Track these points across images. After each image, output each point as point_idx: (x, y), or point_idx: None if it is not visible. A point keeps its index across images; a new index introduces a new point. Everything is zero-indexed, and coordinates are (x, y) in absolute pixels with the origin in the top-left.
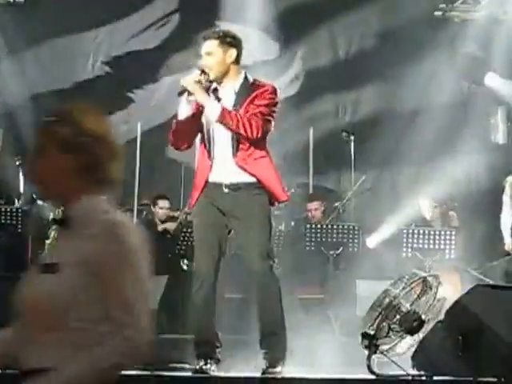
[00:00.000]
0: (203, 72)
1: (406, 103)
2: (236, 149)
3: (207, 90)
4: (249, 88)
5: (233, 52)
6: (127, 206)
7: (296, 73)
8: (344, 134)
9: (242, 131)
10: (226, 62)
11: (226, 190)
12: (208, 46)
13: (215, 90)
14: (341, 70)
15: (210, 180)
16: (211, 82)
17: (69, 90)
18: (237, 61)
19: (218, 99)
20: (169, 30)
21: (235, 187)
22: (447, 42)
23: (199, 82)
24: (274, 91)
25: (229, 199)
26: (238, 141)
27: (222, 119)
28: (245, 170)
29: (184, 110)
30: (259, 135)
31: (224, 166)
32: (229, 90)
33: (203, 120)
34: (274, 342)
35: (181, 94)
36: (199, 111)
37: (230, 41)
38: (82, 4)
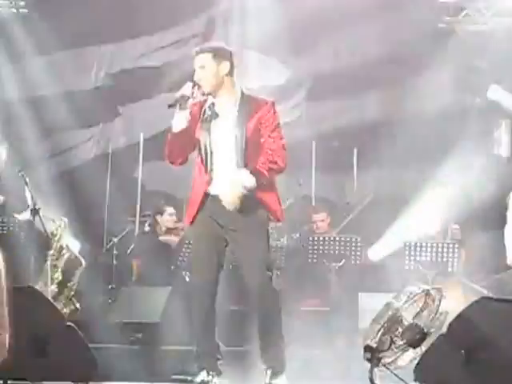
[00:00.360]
0: (196, 85)
1: (408, 115)
2: (242, 165)
3: (202, 104)
4: (249, 103)
5: (226, 64)
6: (129, 217)
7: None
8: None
9: (275, 168)
10: (220, 74)
11: (224, 204)
12: (201, 60)
13: (212, 104)
14: (344, 81)
15: (210, 193)
16: (205, 95)
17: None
18: (230, 73)
19: (216, 115)
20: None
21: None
22: (451, 54)
23: (192, 94)
24: (274, 105)
25: (227, 212)
26: (244, 157)
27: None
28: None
29: (178, 123)
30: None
31: (223, 180)
32: (226, 105)
33: (199, 134)
34: (274, 355)
35: (171, 106)
36: (194, 125)
37: (223, 53)
38: (93, 17)
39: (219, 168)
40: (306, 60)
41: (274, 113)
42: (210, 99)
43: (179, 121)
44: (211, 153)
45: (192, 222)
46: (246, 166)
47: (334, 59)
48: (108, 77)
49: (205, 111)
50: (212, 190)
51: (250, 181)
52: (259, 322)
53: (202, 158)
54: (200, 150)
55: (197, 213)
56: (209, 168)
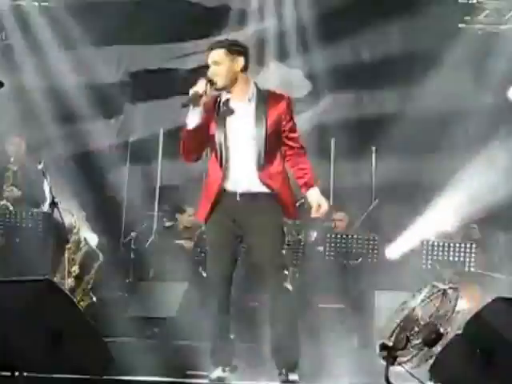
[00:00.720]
0: (210, 81)
1: (429, 116)
2: (263, 162)
3: (216, 99)
4: (266, 99)
5: (240, 60)
6: (149, 211)
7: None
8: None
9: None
10: (235, 70)
11: (239, 199)
12: (215, 55)
13: (227, 100)
14: (364, 81)
15: (225, 189)
16: (219, 89)
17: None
18: (245, 69)
19: (231, 111)
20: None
21: (249, 196)
22: (471, 54)
23: (205, 92)
24: (290, 100)
25: (242, 208)
26: (264, 154)
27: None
28: (267, 184)
29: (192, 120)
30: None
31: (240, 175)
32: (242, 101)
33: (214, 130)
34: (287, 352)
35: (184, 105)
36: (208, 121)
37: (238, 49)
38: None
39: (236, 164)
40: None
41: (292, 107)
42: (225, 95)
43: (193, 118)
44: (227, 149)
45: (206, 219)
46: (266, 162)
47: (354, 57)
48: (128, 74)
49: (220, 107)
50: (228, 186)
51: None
52: (273, 320)
53: (216, 154)
54: (215, 146)
55: (211, 209)
56: (224, 164)
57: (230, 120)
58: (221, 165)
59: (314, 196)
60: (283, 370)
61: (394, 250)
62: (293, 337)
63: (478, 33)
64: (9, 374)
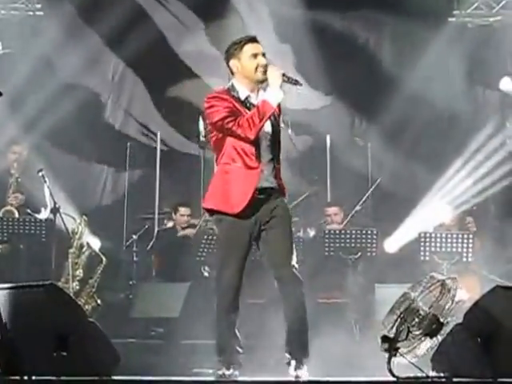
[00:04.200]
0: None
1: (420, 109)
2: (278, 155)
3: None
4: None
5: None
6: (148, 214)
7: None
8: (357, 139)
9: None
10: None
11: (261, 196)
12: (261, 48)
13: (248, 97)
14: (354, 75)
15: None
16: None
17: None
18: None
19: (253, 105)
20: None
21: (266, 192)
22: (462, 47)
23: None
24: None
25: (259, 204)
26: (279, 147)
27: None
28: (276, 177)
29: (278, 97)
30: None
31: (265, 171)
32: (258, 96)
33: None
34: (299, 346)
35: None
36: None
37: None
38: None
39: (264, 160)
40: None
41: None
42: (244, 92)
43: (279, 95)
44: (258, 146)
45: (239, 213)
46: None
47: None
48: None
49: (247, 103)
50: (261, 183)
51: None
52: (288, 313)
53: (246, 150)
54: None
55: (249, 203)
56: (255, 160)
57: None
58: (256, 159)
59: None
60: (293, 363)
61: (393, 243)
62: (306, 329)
63: (468, 26)
64: (17, 378)
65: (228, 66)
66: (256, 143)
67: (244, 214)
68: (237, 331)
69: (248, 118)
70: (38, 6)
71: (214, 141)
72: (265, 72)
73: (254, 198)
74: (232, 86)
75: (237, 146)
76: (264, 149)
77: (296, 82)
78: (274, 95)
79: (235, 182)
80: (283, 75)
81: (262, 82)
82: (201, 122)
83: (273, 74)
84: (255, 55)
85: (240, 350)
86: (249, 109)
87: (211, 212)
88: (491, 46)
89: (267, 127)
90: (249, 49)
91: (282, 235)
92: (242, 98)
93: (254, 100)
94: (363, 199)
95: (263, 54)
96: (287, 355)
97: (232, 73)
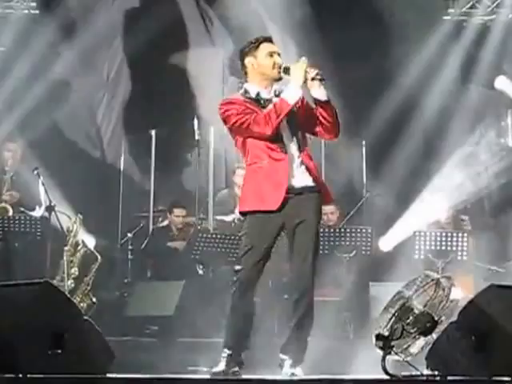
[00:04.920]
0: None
1: (414, 108)
2: (303, 143)
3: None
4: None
5: None
6: (143, 212)
7: None
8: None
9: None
10: None
11: (288, 195)
12: (277, 48)
13: (259, 93)
14: (348, 72)
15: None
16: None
17: None
18: None
19: (265, 100)
20: None
21: (298, 191)
22: (457, 46)
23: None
24: None
25: (289, 204)
26: (303, 135)
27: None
28: (308, 168)
29: (296, 94)
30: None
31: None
32: (269, 94)
33: None
34: (299, 346)
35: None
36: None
37: None
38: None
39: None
40: None
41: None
42: (254, 89)
43: (297, 92)
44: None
45: (279, 207)
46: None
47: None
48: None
49: (260, 99)
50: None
51: None
52: (298, 313)
53: (276, 145)
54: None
55: (284, 200)
56: (281, 152)
57: None
58: (283, 157)
59: None
60: (288, 363)
61: (387, 242)
62: (309, 331)
63: (463, 24)
64: (12, 375)
65: (243, 64)
66: (278, 136)
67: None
68: (251, 330)
69: (265, 115)
70: (33, 4)
71: (238, 144)
72: (281, 71)
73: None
74: (244, 90)
75: (260, 144)
76: (290, 138)
77: (322, 79)
78: (292, 93)
79: (266, 178)
80: (316, 74)
81: (278, 81)
82: (196, 122)
83: (296, 72)
84: (271, 54)
85: (248, 347)
86: (261, 104)
87: (246, 214)
88: (486, 44)
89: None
90: (265, 47)
91: (312, 237)
92: (253, 95)
93: (265, 95)
94: (357, 207)
95: (278, 54)
96: (282, 355)
97: (245, 72)
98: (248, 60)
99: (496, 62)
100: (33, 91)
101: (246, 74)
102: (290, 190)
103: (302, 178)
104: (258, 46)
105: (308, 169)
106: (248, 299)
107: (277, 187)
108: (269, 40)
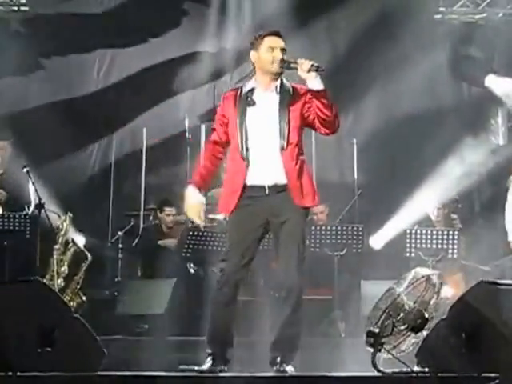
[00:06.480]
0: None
1: (405, 106)
2: (286, 143)
3: (237, 91)
4: (289, 90)
5: None
6: (133, 211)
7: None
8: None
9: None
10: None
11: (268, 192)
12: (282, 43)
13: (251, 90)
14: (339, 72)
15: (249, 183)
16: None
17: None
18: None
19: (254, 102)
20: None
21: (279, 189)
22: (447, 44)
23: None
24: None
25: (270, 201)
26: (287, 134)
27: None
28: (291, 168)
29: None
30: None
31: (266, 166)
32: (267, 91)
33: (235, 122)
34: (289, 344)
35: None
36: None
37: None
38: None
39: (257, 155)
40: None
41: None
42: (251, 85)
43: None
44: (247, 140)
45: (231, 212)
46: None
47: (330, 51)
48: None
49: (245, 98)
50: (252, 178)
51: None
52: (286, 310)
53: (238, 142)
54: (238, 133)
55: (238, 201)
56: (245, 156)
57: (250, 110)
58: (242, 157)
59: None
60: (279, 360)
61: (378, 240)
62: (300, 330)
63: (454, 23)
64: (2, 374)
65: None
66: (246, 136)
67: (244, 211)
68: (233, 326)
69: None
70: (23, 0)
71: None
72: (282, 66)
73: (259, 193)
74: (242, 85)
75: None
76: (269, 139)
77: (318, 68)
78: (317, 82)
79: (230, 181)
80: (312, 65)
81: (279, 75)
82: (187, 120)
83: (302, 68)
84: (272, 48)
85: (231, 345)
86: (246, 101)
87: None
88: (477, 43)
89: (267, 120)
90: (268, 41)
91: (295, 234)
92: (245, 90)
93: (256, 95)
94: (349, 205)
95: (283, 49)
96: (273, 353)
97: (254, 66)
98: (252, 53)
99: (486, 60)
100: (22, 88)
101: (254, 67)
102: (270, 188)
103: (281, 177)
104: (262, 40)
105: (286, 167)
106: (229, 295)
107: (232, 192)
108: (275, 34)
